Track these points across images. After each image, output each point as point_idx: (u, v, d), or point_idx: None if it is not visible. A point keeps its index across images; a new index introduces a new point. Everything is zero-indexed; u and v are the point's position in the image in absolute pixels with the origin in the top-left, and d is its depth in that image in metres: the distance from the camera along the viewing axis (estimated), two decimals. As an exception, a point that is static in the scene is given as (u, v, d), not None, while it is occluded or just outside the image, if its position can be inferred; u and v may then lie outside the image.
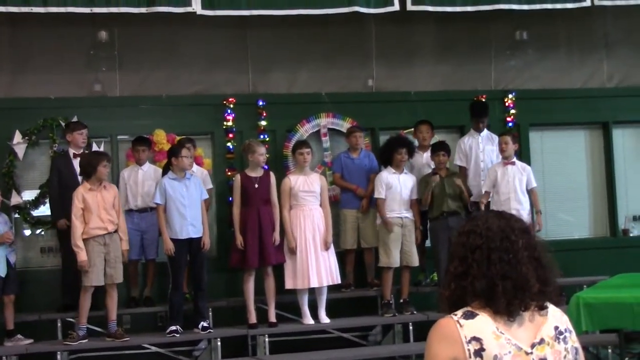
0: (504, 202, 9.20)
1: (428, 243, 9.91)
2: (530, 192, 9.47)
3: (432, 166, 9.80)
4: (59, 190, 9.00)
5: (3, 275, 8.42)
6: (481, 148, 9.95)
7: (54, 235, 9.61)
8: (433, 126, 10.14)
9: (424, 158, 9.98)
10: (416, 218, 9.42)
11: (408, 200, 9.36)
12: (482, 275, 2.67)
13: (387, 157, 9.48)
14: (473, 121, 10.11)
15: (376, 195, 9.40)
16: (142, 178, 9.32)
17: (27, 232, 9.83)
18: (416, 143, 10.08)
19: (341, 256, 9.69)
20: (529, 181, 9.46)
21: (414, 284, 9.76)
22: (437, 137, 10.26)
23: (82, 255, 8.19)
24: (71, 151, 9.16)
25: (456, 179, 9.49)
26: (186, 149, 8.73)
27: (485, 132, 10.07)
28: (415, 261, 9.33)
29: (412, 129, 10.21)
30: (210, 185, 9.61)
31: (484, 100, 10.51)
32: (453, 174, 9.63)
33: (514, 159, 9.53)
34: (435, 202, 9.38)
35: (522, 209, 9.15)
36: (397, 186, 9.32)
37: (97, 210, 8.28)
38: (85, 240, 8.24)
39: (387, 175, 9.38)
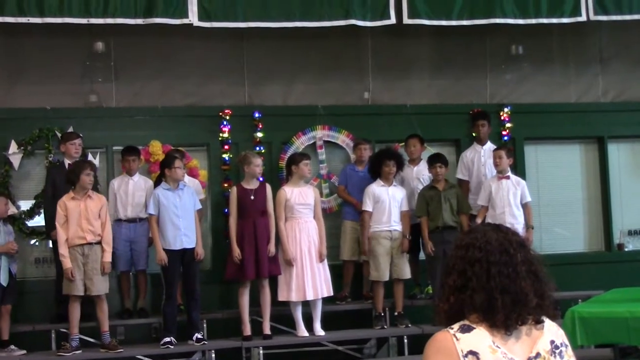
0: (499, 216, 9.19)
1: (422, 256, 9.91)
2: (524, 206, 9.46)
3: (422, 179, 9.81)
4: (53, 200, 8.97)
5: (5, 284, 8.42)
6: (483, 161, 9.97)
7: (48, 245, 9.60)
8: (423, 140, 10.15)
9: (414, 172, 9.97)
10: (404, 228, 9.39)
11: (398, 212, 9.34)
12: (481, 288, 2.67)
13: (375, 169, 9.47)
14: (473, 127, 10.14)
15: (363, 208, 9.40)
16: (133, 188, 9.28)
17: (23, 243, 9.79)
18: (406, 157, 10.10)
19: (340, 268, 9.68)
20: (523, 195, 9.45)
21: (408, 297, 9.74)
22: (431, 150, 10.27)
23: (66, 263, 8.20)
24: (66, 162, 9.14)
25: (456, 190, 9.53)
26: (179, 160, 8.74)
27: (489, 145, 10.10)
28: (405, 274, 9.30)
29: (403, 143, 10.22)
30: (202, 196, 9.59)
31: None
32: (451, 186, 9.60)
33: (509, 173, 9.53)
34: (431, 216, 9.38)
35: (516, 223, 9.14)
36: (385, 199, 9.30)
37: (78, 219, 8.26)
38: None
39: (376, 188, 9.36)
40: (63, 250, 8.23)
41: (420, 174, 9.93)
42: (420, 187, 9.75)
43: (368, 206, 9.33)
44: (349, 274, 9.87)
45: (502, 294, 2.66)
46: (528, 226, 9.44)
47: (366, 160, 9.93)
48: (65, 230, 8.26)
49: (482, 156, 10.01)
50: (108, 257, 8.41)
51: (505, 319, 2.65)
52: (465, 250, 2.74)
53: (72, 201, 8.31)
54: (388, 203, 9.29)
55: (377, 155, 9.60)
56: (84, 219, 8.28)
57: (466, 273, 2.70)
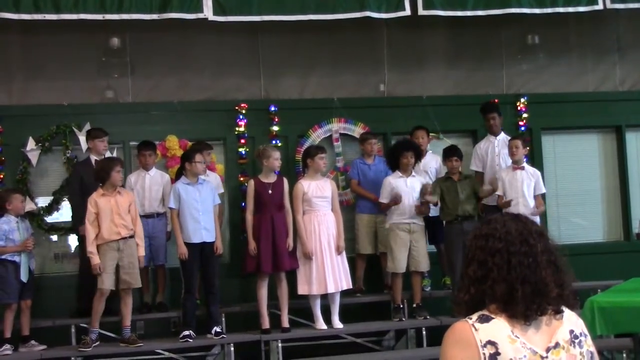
0: (512, 206, 9.10)
1: (431, 248, 9.92)
2: (536, 197, 9.38)
3: (430, 171, 9.81)
4: (81, 196, 8.99)
5: (25, 281, 8.49)
6: (497, 152, 9.88)
7: (67, 241, 9.71)
8: (429, 131, 10.12)
9: (422, 164, 9.90)
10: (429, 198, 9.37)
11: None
12: (502, 279, 2.67)
13: (393, 161, 9.44)
14: (484, 120, 10.12)
15: (380, 200, 9.36)
16: (149, 183, 9.32)
17: (42, 239, 9.84)
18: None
19: (352, 261, 9.67)
20: (538, 187, 9.36)
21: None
22: (448, 142, 10.25)
23: (95, 259, 8.26)
24: (92, 158, 9.18)
25: (471, 180, 9.49)
26: (200, 154, 8.77)
27: (502, 135, 10.00)
28: (424, 266, 9.27)
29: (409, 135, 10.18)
30: (221, 190, 9.61)
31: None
32: (466, 177, 9.56)
33: (524, 164, 9.47)
34: (448, 206, 9.34)
35: (529, 214, 9.02)
36: (404, 190, 9.26)
37: (110, 215, 8.32)
38: (98, 246, 8.30)
39: (393, 180, 9.33)
40: (91, 247, 8.29)
41: (427, 166, 9.90)
42: (428, 179, 9.70)
43: (384, 198, 9.31)
44: (362, 267, 9.86)
45: (522, 285, 2.65)
46: (538, 206, 9.32)
47: (374, 154, 9.93)
48: (95, 228, 8.33)
49: (495, 147, 9.93)
50: (142, 252, 8.54)
51: (526, 309, 2.65)
52: (485, 241, 2.73)
53: (103, 198, 8.37)
54: (407, 195, 9.25)
55: (395, 147, 9.55)
56: (115, 214, 8.35)
57: (487, 264, 2.70)
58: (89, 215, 8.34)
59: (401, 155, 9.29)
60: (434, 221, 9.59)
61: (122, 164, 8.80)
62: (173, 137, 9.94)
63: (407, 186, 9.29)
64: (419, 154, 9.51)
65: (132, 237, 8.45)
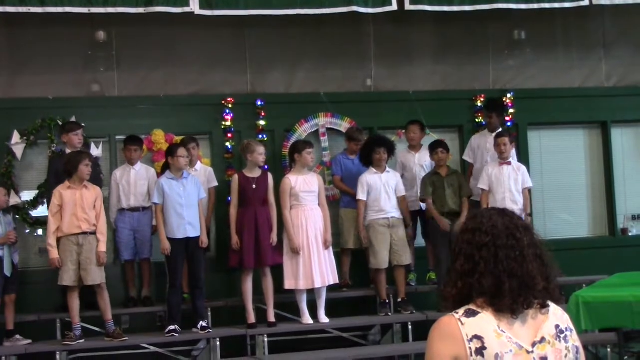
0: (499, 201, 9.12)
1: (418, 243, 9.94)
2: (523, 192, 9.41)
3: (425, 165, 9.82)
4: None
5: (9, 275, 8.43)
6: (488, 148, 9.91)
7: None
8: (424, 126, 10.13)
9: (416, 158, 9.96)
10: (405, 215, 9.39)
11: (394, 198, 9.32)
12: (489, 272, 2.68)
13: (366, 157, 9.45)
14: (485, 115, 10.32)
15: (357, 197, 9.35)
16: (135, 177, 9.29)
17: (27, 233, 9.80)
18: (407, 143, 10.14)
19: (338, 256, 9.66)
20: (524, 181, 9.40)
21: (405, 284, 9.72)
22: (434, 137, 10.26)
23: (52, 253, 8.20)
24: (68, 152, 9.13)
25: (458, 176, 9.52)
26: (183, 148, 8.75)
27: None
28: (405, 260, 9.29)
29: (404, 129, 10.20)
30: (215, 183, 9.58)
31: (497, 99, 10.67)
32: (453, 172, 9.59)
33: (510, 159, 9.50)
34: (435, 202, 9.35)
35: (517, 208, 9.04)
36: (379, 186, 9.27)
37: (73, 208, 8.24)
38: (59, 239, 8.23)
39: (369, 177, 9.34)
40: (51, 240, 8.23)
41: (422, 160, 9.92)
42: (423, 173, 9.74)
43: (361, 195, 9.30)
44: (348, 262, 9.86)
45: (509, 278, 2.67)
46: (526, 214, 9.34)
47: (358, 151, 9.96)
48: (57, 220, 8.24)
49: (488, 143, 9.96)
50: (103, 247, 8.36)
51: (513, 302, 2.66)
52: (472, 235, 2.74)
53: (68, 190, 8.30)
54: (382, 190, 9.27)
55: (368, 143, 9.58)
56: (79, 208, 8.26)
57: (474, 257, 2.71)
58: (52, 207, 8.27)
59: (373, 152, 9.31)
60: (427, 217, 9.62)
61: (91, 157, 8.73)
62: (159, 131, 9.92)
63: (382, 181, 9.31)
64: (392, 149, 9.52)
65: (93, 233, 8.33)
